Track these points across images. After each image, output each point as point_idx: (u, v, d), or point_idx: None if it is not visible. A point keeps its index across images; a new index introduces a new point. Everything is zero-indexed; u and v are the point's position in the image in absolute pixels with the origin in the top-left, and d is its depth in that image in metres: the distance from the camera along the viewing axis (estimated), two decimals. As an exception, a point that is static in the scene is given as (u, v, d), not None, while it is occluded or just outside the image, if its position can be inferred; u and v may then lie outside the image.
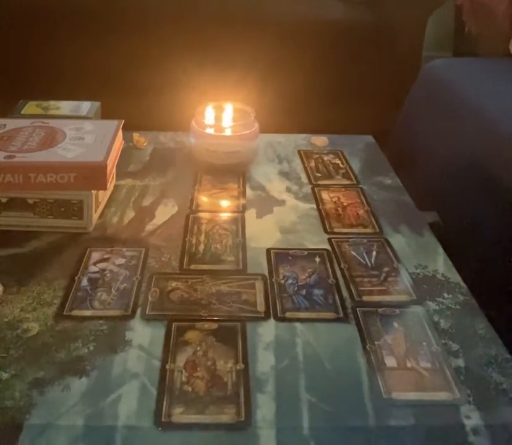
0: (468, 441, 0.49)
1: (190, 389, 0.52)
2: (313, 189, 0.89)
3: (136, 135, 1.01)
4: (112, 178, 0.84)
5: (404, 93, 1.32)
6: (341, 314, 0.62)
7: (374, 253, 0.73)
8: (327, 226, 0.79)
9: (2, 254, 0.70)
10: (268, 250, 0.73)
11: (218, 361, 0.55)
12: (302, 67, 1.46)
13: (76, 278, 0.66)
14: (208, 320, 0.60)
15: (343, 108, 1.46)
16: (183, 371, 0.54)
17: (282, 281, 0.67)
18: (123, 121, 0.84)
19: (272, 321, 0.61)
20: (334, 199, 0.86)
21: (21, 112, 0.94)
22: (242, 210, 0.82)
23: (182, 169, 0.93)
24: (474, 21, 1.43)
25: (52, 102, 0.97)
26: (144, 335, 0.58)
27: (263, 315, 0.62)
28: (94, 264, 0.69)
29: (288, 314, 0.62)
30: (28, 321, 0.60)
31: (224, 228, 0.77)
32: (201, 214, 0.81)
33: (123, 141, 0.85)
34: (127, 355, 0.56)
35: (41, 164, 0.72)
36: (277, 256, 0.72)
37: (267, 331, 0.60)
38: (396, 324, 0.61)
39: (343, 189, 0.89)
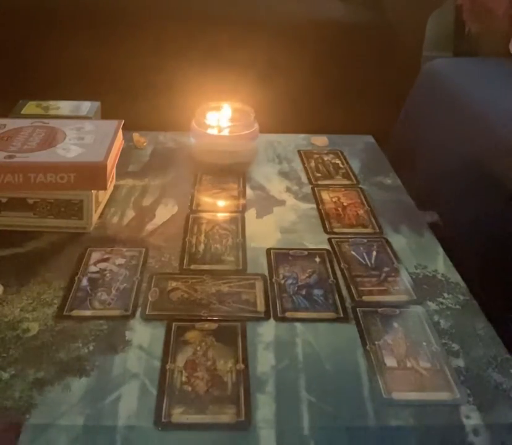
0: (468, 441, 0.49)
1: (190, 389, 0.52)
2: (313, 189, 0.89)
3: (136, 135, 1.01)
4: (112, 178, 0.84)
5: (404, 93, 1.32)
6: (341, 314, 0.62)
7: (374, 253, 0.73)
8: (327, 226, 0.79)
9: (2, 254, 0.70)
10: (268, 250, 0.73)
11: (218, 361, 0.55)
12: (302, 67, 1.46)
13: (76, 278, 0.66)
14: (208, 320, 0.60)
15: (343, 108, 1.46)
16: (183, 371, 0.54)
17: (282, 281, 0.67)
18: (123, 121, 0.84)
19: (272, 321, 0.61)
20: (334, 199, 0.86)
21: (21, 112, 0.94)
22: (242, 210, 0.82)
23: (182, 169, 0.93)
24: (474, 21, 1.43)
25: (52, 102, 0.97)
26: (144, 335, 0.58)
27: (263, 315, 0.62)
28: (94, 264, 0.69)
29: (288, 314, 0.62)
30: (28, 321, 0.60)
31: (224, 228, 0.77)
32: (201, 214, 0.81)
33: (123, 141, 0.85)
34: (127, 355, 0.56)
35: (41, 164, 0.72)
36: (277, 256, 0.72)
37: (267, 331, 0.60)
38: (396, 324, 0.61)
39: (343, 189, 0.89)
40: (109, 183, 0.78)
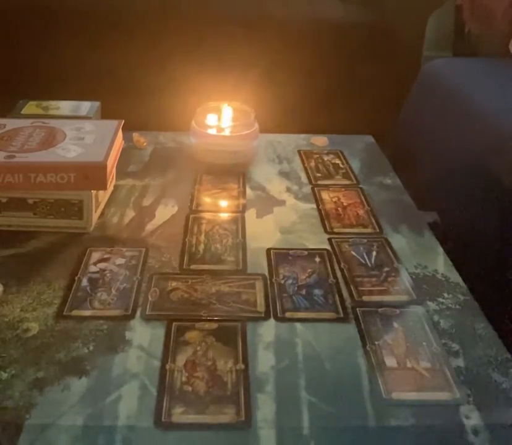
0: (468, 441, 0.49)
1: (190, 389, 0.52)
2: (313, 189, 0.89)
3: (136, 135, 1.01)
4: (112, 178, 0.84)
5: (404, 93, 1.32)
6: (341, 314, 0.62)
7: (374, 253, 0.73)
8: (327, 226, 0.79)
9: (2, 254, 0.70)
10: (268, 250, 0.73)
11: (218, 361, 0.55)
12: (302, 67, 1.46)
13: (76, 278, 0.66)
14: (208, 320, 0.60)
15: (343, 108, 1.46)
16: (183, 371, 0.54)
17: (282, 281, 0.67)
18: (123, 121, 0.84)
19: (272, 321, 0.61)
20: (334, 199, 0.86)
21: (21, 112, 0.94)
22: (242, 210, 0.82)
23: (182, 169, 0.93)
24: (474, 21, 1.43)
25: (52, 102, 0.97)
26: (144, 335, 0.58)
27: (263, 315, 0.62)
28: (94, 264, 0.69)
29: (288, 314, 0.62)
30: (28, 321, 0.60)
31: (224, 228, 0.77)
32: (201, 214, 0.81)
33: (123, 141, 0.85)
34: (127, 355, 0.56)
35: (41, 164, 0.72)
36: (277, 256, 0.72)
37: (267, 331, 0.60)
38: (396, 324, 0.61)
39: (343, 189, 0.89)
40: (109, 183, 0.78)
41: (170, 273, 0.68)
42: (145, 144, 1.01)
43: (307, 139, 1.06)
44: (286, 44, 1.45)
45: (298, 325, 0.61)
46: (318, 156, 1.00)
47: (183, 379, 0.53)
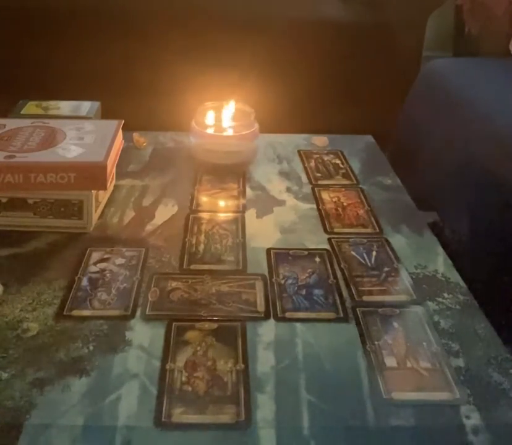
0: (468, 441, 0.49)
1: (190, 389, 0.52)
2: (313, 189, 0.89)
3: (136, 135, 1.01)
4: (112, 178, 0.84)
5: (404, 93, 1.32)
6: (341, 314, 0.62)
7: (374, 253, 0.73)
8: (327, 226, 0.79)
9: (2, 254, 0.70)
10: (268, 250, 0.73)
11: (218, 361, 0.55)
12: (302, 67, 1.46)
13: (76, 278, 0.66)
14: (208, 320, 0.60)
15: (343, 108, 1.45)
16: (183, 371, 0.54)
17: (282, 281, 0.67)
18: (123, 121, 0.84)
19: (272, 321, 0.61)
20: (334, 199, 0.86)
21: (21, 112, 0.94)
22: (242, 210, 0.82)
23: (182, 169, 0.93)
24: (474, 21, 1.43)
25: (52, 102, 0.97)
26: (144, 335, 0.58)
27: (263, 315, 0.62)
28: (94, 264, 0.69)
29: (288, 314, 0.62)
30: (28, 321, 0.60)
31: (224, 228, 0.77)
32: (201, 214, 0.81)
33: (123, 141, 0.85)
34: (127, 355, 0.56)
35: (41, 164, 0.72)
36: (277, 256, 0.72)
37: (267, 331, 0.60)
38: (396, 324, 0.61)
39: (343, 189, 0.89)
40: (109, 183, 0.78)
41: (170, 273, 0.68)
42: (144, 144, 1.01)
43: (307, 139, 1.06)
44: (286, 44, 1.45)
45: (298, 325, 0.61)
46: (318, 156, 1.00)
47: (183, 379, 0.53)
